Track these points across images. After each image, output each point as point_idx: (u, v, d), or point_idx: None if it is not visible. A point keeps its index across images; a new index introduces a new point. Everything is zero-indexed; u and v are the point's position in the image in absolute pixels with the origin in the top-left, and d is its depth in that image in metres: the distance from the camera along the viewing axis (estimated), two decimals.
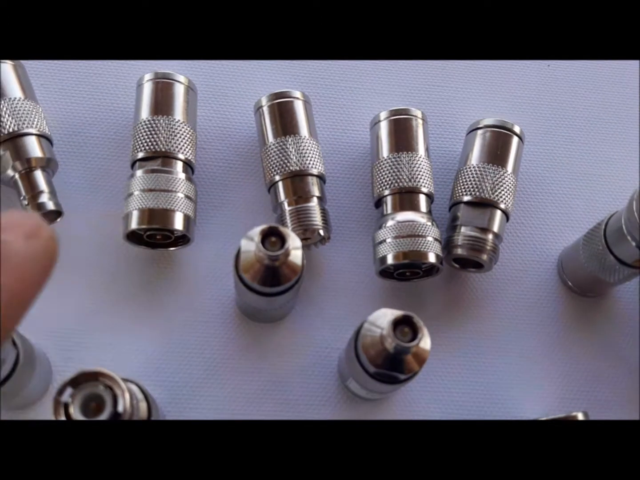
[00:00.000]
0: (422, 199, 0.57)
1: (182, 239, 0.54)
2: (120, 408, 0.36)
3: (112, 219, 0.56)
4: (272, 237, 0.44)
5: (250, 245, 0.45)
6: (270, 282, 0.46)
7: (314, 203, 0.55)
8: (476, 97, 0.66)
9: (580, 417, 0.50)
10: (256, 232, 0.44)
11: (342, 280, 0.58)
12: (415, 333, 0.42)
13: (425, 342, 0.44)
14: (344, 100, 0.64)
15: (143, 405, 0.43)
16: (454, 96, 0.65)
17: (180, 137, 0.55)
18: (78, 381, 0.36)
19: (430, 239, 0.54)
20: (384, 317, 0.45)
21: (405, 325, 0.42)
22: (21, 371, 0.44)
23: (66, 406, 0.36)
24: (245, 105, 0.62)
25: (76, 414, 0.36)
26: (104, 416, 0.36)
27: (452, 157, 0.63)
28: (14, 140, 0.53)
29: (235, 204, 0.59)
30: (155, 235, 0.54)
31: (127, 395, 0.36)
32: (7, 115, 0.53)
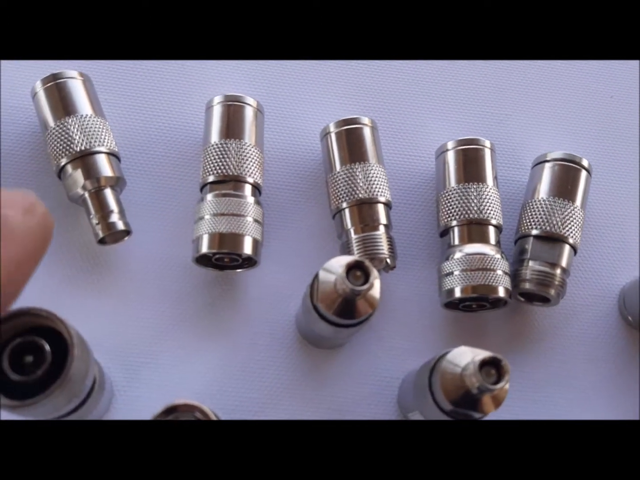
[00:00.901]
0: (491, 230, 0.56)
1: (249, 262, 0.54)
2: None
3: (178, 239, 0.56)
4: (357, 270, 0.43)
5: (329, 276, 0.45)
6: (347, 315, 0.46)
7: (381, 231, 0.55)
8: (539, 128, 0.65)
9: None
10: (340, 264, 0.44)
11: (404, 309, 0.57)
12: (500, 376, 0.42)
13: (507, 385, 0.44)
14: (410, 126, 0.63)
15: None
16: (517, 126, 0.65)
17: (250, 160, 0.54)
18: (171, 412, 0.36)
19: (499, 272, 0.54)
20: (464, 355, 0.44)
21: (491, 367, 0.42)
22: (94, 397, 0.43)
23: None
24: (309, 128, 0.61)
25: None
26: None
27: (515, 188, 0.63)
28: (84, 158, 0.52)
29: (298, 227, 0.58)
30: (223, 258, 0.54)
31: None
32: (77, 133, 0.52)
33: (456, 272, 0.54)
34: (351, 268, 0.43)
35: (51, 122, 0.53)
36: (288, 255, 0.57)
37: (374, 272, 0.43)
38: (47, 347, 0.35)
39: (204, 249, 0.52)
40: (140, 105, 0.60)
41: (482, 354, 0.42)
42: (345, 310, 0.46)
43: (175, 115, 0.60)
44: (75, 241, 0.55)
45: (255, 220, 0.53)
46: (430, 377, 0.46)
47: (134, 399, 0.51)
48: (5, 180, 0.56)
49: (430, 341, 0.56)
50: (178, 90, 0.61)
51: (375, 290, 0.45)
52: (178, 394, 0.52)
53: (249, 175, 0.54)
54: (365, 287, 0.43)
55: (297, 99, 0.63)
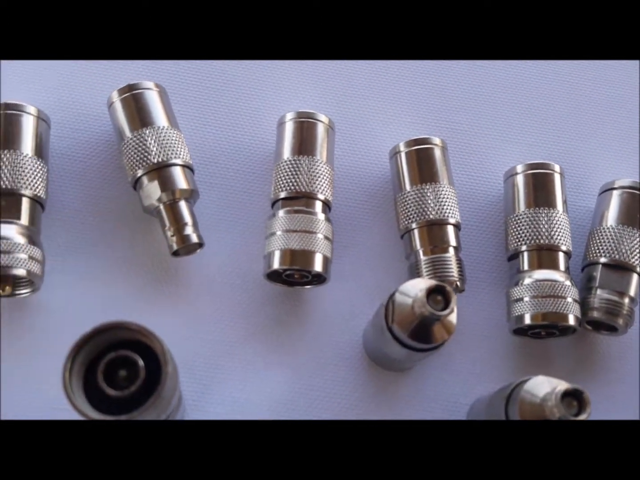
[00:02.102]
0: (561, 256, 0.55)
1: (318, 278, 0.54)
2: None
3: (247, 253, 0.56)
4: (438, 295, 0.43)
5: (406, 299, 0.45)
6: (423, 339, 0.45)
7: (451, 253, 0.54)
8: (607, 153, 0.65)
9: None
10: (419, 287, 0.43)
11: (470, 333, 0.57)
12: (581, 407, 0.41)
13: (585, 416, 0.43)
14: (478, 147, 0.63)
15: None
16: (585, 151, 0.64)
17: (321, 177, 0.54)
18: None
19: (570, 300, 0.53)
20: (542, 385, 0.44)
21: (573, 399, 0.41)
22: (174, 413, 0.43)
23: None
24: (377, 145, 0.61)
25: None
26: None
27: (581, 213, 0.62)
28: (160, 170, 0.53)
29: (365, 245, 0.58)
30: (294, 274, 0.54)
31: None
32: (154, 145, 0.53)
33: (526, 299, 0.54)
34: (432, 292, 0.43)
35: (128, 132, 0.54)
36: (355, 273, 0.57)
37: (455, 298, 0.43)
38: (141, 362, 0.35)
39: (276, 265, 0.52)
40: (213, 118, 0.60)
41: (562, 385, 0.42)
42: (422, 334, 0.45)
43: (247, 130, 0.60)
44: (146, 252, 0.55)
45: (326, 238, 0.53)
46: (507, 406, 0.46)
47: (204, 414, 0.51)
48: (77, 188, 0.56)
49: (497, 366, 0.56)
50: (250, 105, 0.61)
51: (453, 317, 0.45)
52: (246, 409, 0.52)
53: (320, 192, 0.54)
54: (446, 312, 0.43)
55: (366, 116, 0.62)
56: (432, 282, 0.43)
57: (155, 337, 0.35)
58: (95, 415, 0.33)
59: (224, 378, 0.53)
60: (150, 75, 0.60)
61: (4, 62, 0.58)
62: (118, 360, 0.35)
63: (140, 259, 0.55)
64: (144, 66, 0.60)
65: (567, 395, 0.41)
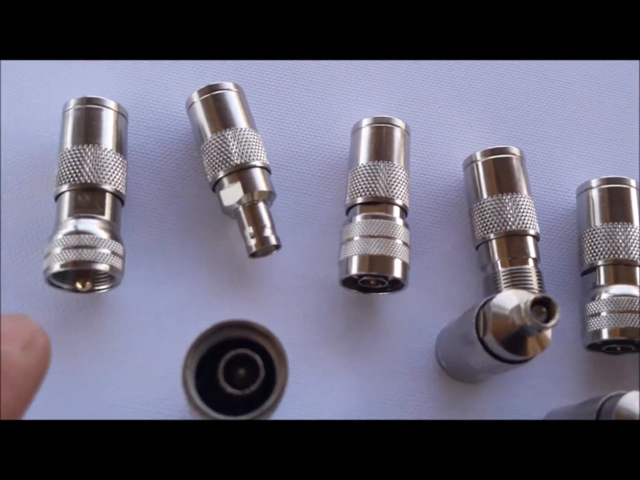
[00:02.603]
0: (638, 271, 0.55)
1: (394, 285, 0.53)
2: None
3: (319, 258, 0.56)
4: (542, 307, 0.42)
5: (503, 310, 0.44)
6: (517, 351, 0.45)
7: (530, 265, 0.54)
8: None
9: None
10: (521, 299, 0.43)
11: None
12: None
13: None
14: (550, 159, 0.62)
15: None
16: None
17: (399, 183, 0.54)
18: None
19: None
20: (636, 401, 0.44)
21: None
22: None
23: None
24: (450, 152, 0.61)
25: None
26: None
27: None
28: (241, 172, 0.52)
29: (437, 255, 0.58)
30: (369, 280, 0.53)
31: None
32: (235, 146, 0.52)
33: (603, 314, 0.53)
34: (536, 303, 0.42)
35: (209, 133, 0.53)
36: (427, 282, 0.57)
37: (559, 314, 0.42)
38: (261, 362, 0.34)
39: (354, 270, 0.51)
40: (286, 120, 0.60)
41: None
42: (516, 346, 0.45)
43: (319, 134, 0.60)
44: (222, 252, 0.55)
45: (404, 243, 0.52)
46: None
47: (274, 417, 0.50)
48: (153, 186, 0.56)
49: (570, 381, 0.55)
50: (322, 109, 0.61)
51: (548, 332, 0.45)
52: (318, 414, 0.51)
53: (399, 198, 0.54)
54: (551, 323, 0.42)
55: (438, 123, 0.62)
56: (539, 295, 0.42)
57: (276, 339, 0.34)
58: (215, 415, 0.32)
59: (294, 382, 0.52)
60: (224, 76, 0.59)
61: (80, 61, 0.57)
62: (237, 359, 0.34)
63: (216, 260, 0.54)
64: (216, 66, 0.60)
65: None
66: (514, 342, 0.45)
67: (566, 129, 0.64)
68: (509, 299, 0.45)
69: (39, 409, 0.47)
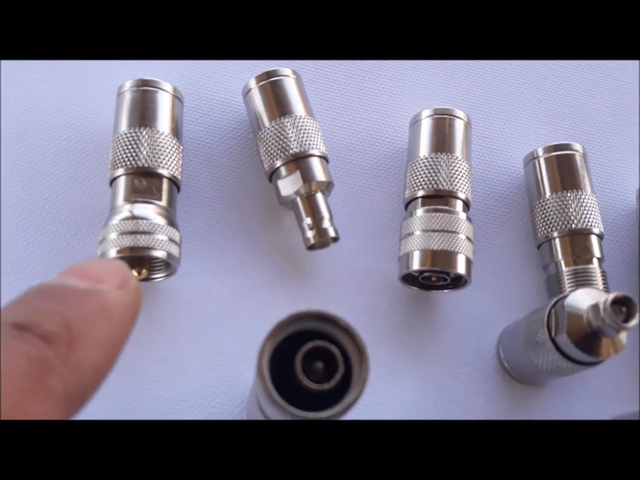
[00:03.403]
0: None
1: (456, 282, 0.51)
2: None
3: (376, 252, 0.54)
4: (622, 306, 0.40)
5: (578, 310, 0.43)
6: (590, 351, 0.43)
7: (595, 265, 0.52)
8: None
9: None
10: (599, 297, 0.41)
11: None
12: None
13: None
14: (610, 158, 0.61)
15: None
16: None
17: (461, 175, 0.52)
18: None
19: None
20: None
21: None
22: None
23: None
24: (509, 148, 0.59)
25: None
26: None
27: None
28: (299, 161, 0.51)
29: (497, 253, 0.56)
30: (431, 277, 0.51)
31: None
32: (293, 134, 0.51)
33: None
34: (616, 302, 0.40)
35: (266, 121, 0.52)
36: (489, 280, 0.55)
37: (639, 314, 0.40)
38: (340, 356, 0.33)
39: (416, 265, 0.49)
40: (343, 110, 0.58)
41: None
42: (591, 347, 0.43)
43: (378, 126, 0.58)
44: (277, 244, 0.53)
45: (468, 238, 0.51)
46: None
47: None
48: (208, 174, 0.54)
49: (634, 385, 0.53)
50: (383, 99, 0.59)
51: (623, 335, 0.43)
52: (376, 414, 0.50)
53: (461, 191, 0.52)
54: (632, 323, 0.40)
55: (498, 118, 0.60)
56: (620, 293, 0.40)
57: (357, 334, 0.32)
58: (293, 410, 0.31)
59: None
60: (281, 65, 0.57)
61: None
62: (314, 352, 0.33)
63: (271, 252, 0.53)
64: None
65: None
66: (588, 343, 0.43)
67: (627, 128, 0.62)
68: (584, 298, 0.43)
69: (97, 400, 0.46)
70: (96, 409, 0.47)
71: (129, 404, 0.47)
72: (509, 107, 0.61)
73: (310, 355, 0.33)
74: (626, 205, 0.60)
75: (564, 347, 0.44)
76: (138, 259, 0.47)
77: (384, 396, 0.51)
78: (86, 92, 0.55)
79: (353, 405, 0.31)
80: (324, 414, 0.31)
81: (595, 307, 0.41)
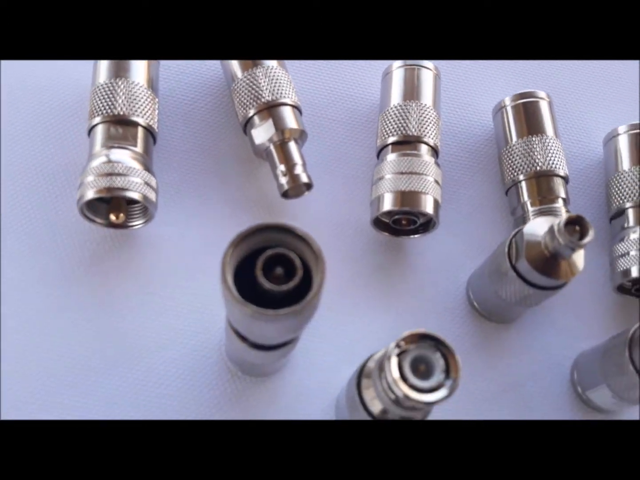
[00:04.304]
0: None
1: (425, 226, 0.53)
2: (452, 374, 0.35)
3: (350, 201, 0.56)
4: (576, 225, 0.42)
5: (535, 236, 0.45)
6: (550, 273, 0.45)
7: (560, 204, 0.54)
8: None
9: None
10: (554, 221, 0.43)
11: (573, 290, 0.55)
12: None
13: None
14: (580, 104, 0.63)
15: None
16: None
17: (430, 122, 0.54)
18: (412, 340, 0.35)
19: None
20: None
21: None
22: (298, 338, 0.43)
23: (400, 361, 0.35)
24: (481, 103, 0.61)
25: (407, 371, 0.35)
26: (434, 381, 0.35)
27: None
28: (272, 110, 0.52)
29: (467, 200, 0.58)
30: (401, 220, 0.53)
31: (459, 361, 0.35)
32: (265, 83, 0.53)
33: (632, 253, 0.53)
34: (570, 223, 0.42)
35: (239, 73, 0.54)
36: (459, 226, 0.57)
37: (592, 232, 0.42)
38: (298, 261, 0.34)
39: (386, 207, 0.51)
40: (317, 68, 0.60)
41: None
42: (550, 270, 0.45)
43: (350, 82, 0.61)
44: (253, 194, 0.55)
45: (436, 181, 0.52)
46: (631, 349, 0.45)
47: (312, 350, 0.51)
48: (184, 129, 0.56)
49: (600, 323, 0.55)
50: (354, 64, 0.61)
51: (580, 257, 0.45)
52: (350, 353, 0.51)
53: (429, 137, 0.54)
54: (585, 240, 0.42)
55: (466, 72, 0.62)
56: (573, 214, 0.42)
57: (314, 241, 0.34)
58: (256, 308, 0.33)
59: (330, 319, 0.52)
60: None
61: None
62: (275, 259, 0.35)
63: (247, 201, 0.55)
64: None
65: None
66: (547, 266, 0.45)
67: (595, 79, 0.64)
68: (541, 225, 0.45)
69: (75, 338, 0.48)
70: (81, 349, 0.49)
71: (114, 343, 0.49)
72: (479, 61, 0.63)
73: (271, 262, 0.35)
74: (593, 153, 0.61)
75: (524, 272, 0.45)
76: (116, 203, 0.49)
77: (358, 336, 0.52)
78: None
79: (311, 304, 0.33)
80: (283, 310, 0.33)
81: (550, 230, 0.43)
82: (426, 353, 0.35)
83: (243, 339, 0.41)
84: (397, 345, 0.35)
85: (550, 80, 0.63)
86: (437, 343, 0.35)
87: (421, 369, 0.35)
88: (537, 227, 0.45)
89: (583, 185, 0.60)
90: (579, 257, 0.45)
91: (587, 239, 0.42)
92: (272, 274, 0.35)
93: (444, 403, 0.34)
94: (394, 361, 0.35)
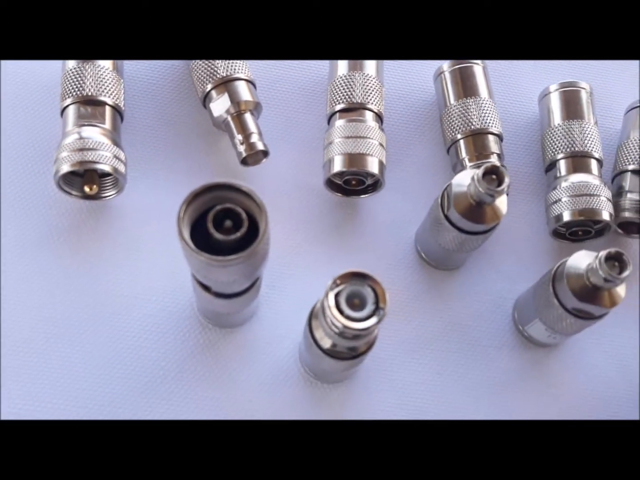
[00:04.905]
0: (594, 163, 0.60)
1: (373, 187, 0.58)
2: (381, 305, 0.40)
3: (305, 166, 0.61)
4: (492, 175, 0.47)
5: (461, 187, 0.50)
6: (477, 220, 0.50)
7: (495, 159, 0.59)
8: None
9: None
10: (474, 172, 0.48)
11: (513, 237, 0.61)
12: (622, 269, 0.46)
13: (623, 287, 0.48)
14: (514, 70, 0.68)
15: None
16: (610, 75, 0.69)
17: (374, 91, 0.59)
18: (346, 279, 0.40)
19: (603, 198, 0.58)
20: (586, 257, 0.49)
21: (614, 261, 0.46)
22: (257, 288, 0.48)
23: (336, 298, 0.40)
24: (427, 71, 0.66)
25: (343, 305, 0.40)
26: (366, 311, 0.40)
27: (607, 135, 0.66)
28: (227, 84, 0.57)
29: (412, 160, 0.63)
30: (351, 180, 0.58)
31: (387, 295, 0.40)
32: (220, 61, 0.57)
33: (564, 199, 0.58)
34: (487, 173, 0.47)
35: None
36: (404, 185, 0.62)
37: (507, 179, 0.47)
38: (244, 214, 0.39)
39: (336, 168, 0.57)
40: None
41: (609, 250, 0.46)
42: (476, 217, 0.50)
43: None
44: (215, 164, 0.60)
45: (380, 144, 0.57)
46: (554, 284, 0.50)
47: (276, 303, 0.56)
48: (149, 107, 0.61)
49: (538, 266, 0.59)
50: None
51: (503, 203, 0.50)
52: (312, 300, 0.56)
53: (373, 104, 0.59)
54: (502, 187, 0.47)
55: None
56: (489, 164, 0.47)
57: (256, 196, 0.39)
58: (207, 255, 0.38)
59: (291, 274, 0.58)
60: None
61: None
62: (224, 213, 0.40)
63: (210, 170, 0.60)
64: None
65: (610, 258, 0.46)
66: (474, 213, 0.50)
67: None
68: (466, 177, 0.50)
69: (58, 297, 0.53)
70: (63, 307, 0.54)
71: (94, 301, 0.55)
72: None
73: (220, 216, 0.40)
74: (531, 112, 0.67)
75: (455, 220, 0.51)
76: (89, 176, 0.54)
77: (320, 284, 0.57)
78: None
79: (257, 250, 0.38)
80: (232, 256, 0.38)
81: (472, 179, 0.48)
82: (358, 289, 0.41)
83: (206, 288, 0.46)
84: (334, 283, 0.40)
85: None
86: (367, 279, 0.41)
87: (355, 302, 0.40)
88: (463, 179, 0.50)
89: (522, 141, 0.66)
90: (501, 203, 0.50)
91: (503, 186, 0.47)
92: (222, 227, 0.40)
93: (375, 327, 0.40)
94: (331, 297, 0.40)
